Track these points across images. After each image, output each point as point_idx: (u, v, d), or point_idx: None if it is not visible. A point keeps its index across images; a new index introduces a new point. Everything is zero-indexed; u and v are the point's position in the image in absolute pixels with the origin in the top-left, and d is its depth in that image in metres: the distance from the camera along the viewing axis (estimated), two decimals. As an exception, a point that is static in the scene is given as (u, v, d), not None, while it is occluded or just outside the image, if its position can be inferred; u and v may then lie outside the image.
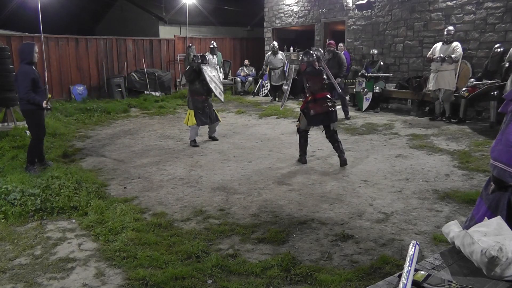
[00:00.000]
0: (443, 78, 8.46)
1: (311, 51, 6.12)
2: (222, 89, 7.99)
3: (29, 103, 5.38)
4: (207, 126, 7.55)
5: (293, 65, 6.50)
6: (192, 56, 7.72)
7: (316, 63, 5.97)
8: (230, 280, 2.97)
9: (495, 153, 2.15)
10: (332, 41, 9.55)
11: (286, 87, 6.33)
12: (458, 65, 8.78)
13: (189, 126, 7.25)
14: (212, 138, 7.68)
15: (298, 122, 6.22)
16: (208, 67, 7.43)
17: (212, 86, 7.25)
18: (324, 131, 6.05)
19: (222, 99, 7.85)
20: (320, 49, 6.76)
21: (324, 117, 5.82)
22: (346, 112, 9.32)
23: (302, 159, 6.09)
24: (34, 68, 5.53)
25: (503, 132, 2.15)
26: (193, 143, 7.25)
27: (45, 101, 5.40)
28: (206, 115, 7.28)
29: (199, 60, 7.26)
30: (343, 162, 5.79)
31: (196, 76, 7.21)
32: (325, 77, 5.98)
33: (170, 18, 16.77)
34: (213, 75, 7.47)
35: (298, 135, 6.16)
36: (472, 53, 9.13)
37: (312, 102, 5.78)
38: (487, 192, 2.35)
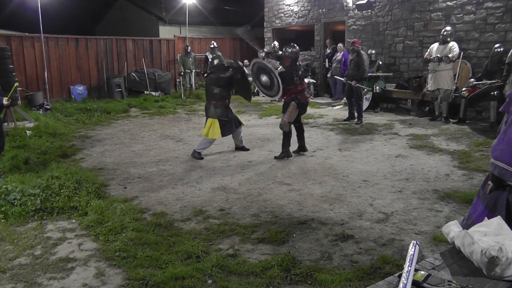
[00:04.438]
0: (441, 78, 8.45)
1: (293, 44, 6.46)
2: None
3: None
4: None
5: (270, 58, 6.55)
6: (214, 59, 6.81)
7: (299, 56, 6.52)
8: (230, 280, 2.97)
9: (496, 152, 2.14)
10: (356, 39, 9.28)
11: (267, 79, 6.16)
12: (458, 65, 8.78)
13: (209, 138, 6.37)
14: (242, 148, 6.79)
15: (287, 116, 6.10)
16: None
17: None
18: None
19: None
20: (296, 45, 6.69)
21: (306, 107, 6.40)
22: (357, 117, 8.93)
23: (289, 153, 6.33)
24: None
25: (505, 131, 2.14)
26: (199, 156, 6.36)
27: (5, 98, 5.12)
28: (231, 122, 6.48)
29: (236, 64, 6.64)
30: (305, 149, 6.49)
31: (222, 80, 6.38)
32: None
33: (170, 18, 16.77)
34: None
35: (288, 130, 6.18)
36: (472, 53, 9.13)
37: (301, 92, 6.21)
38: (484, 191, 2.34)
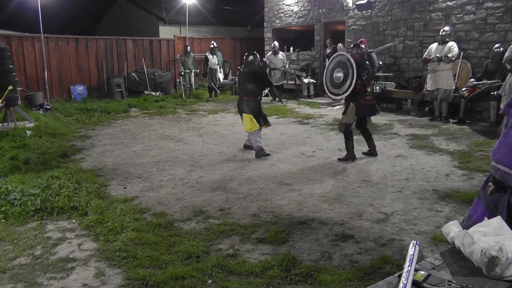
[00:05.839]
0: (440, 78, 8.44)
1: (361, 45, 6.22)
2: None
3: None
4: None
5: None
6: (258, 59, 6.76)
7: (365, 57, 6.15)
8: (230, 280, 2.97)
9: (497, 156, 2.12)
10: (363, 39, 9.27)
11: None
12: (458, 65, 8.78)
13: (252, 131, 6.43)
14: (251, 148, 6.70)
15: (345, 117, 6.03)
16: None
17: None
18: (356, 123, 6.17)
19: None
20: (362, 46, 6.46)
21: (370, 109, 6.12)
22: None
23: (353, 155, 6.04)
24: None
25: (506, 134, 2.12)
26: (263, 152, 6.39)
27: None
28: (264, 116, 6.71)
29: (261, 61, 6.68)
30: (376, 153, 6.21)
31: (252, 76, 6.50)
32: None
33: (170, 18, 16.78)
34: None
35: (343, 131, 6.04)
36: (472, 53, 9.13)
37: (364, 93, 5.96)
38: (485, 192, 2.33)
